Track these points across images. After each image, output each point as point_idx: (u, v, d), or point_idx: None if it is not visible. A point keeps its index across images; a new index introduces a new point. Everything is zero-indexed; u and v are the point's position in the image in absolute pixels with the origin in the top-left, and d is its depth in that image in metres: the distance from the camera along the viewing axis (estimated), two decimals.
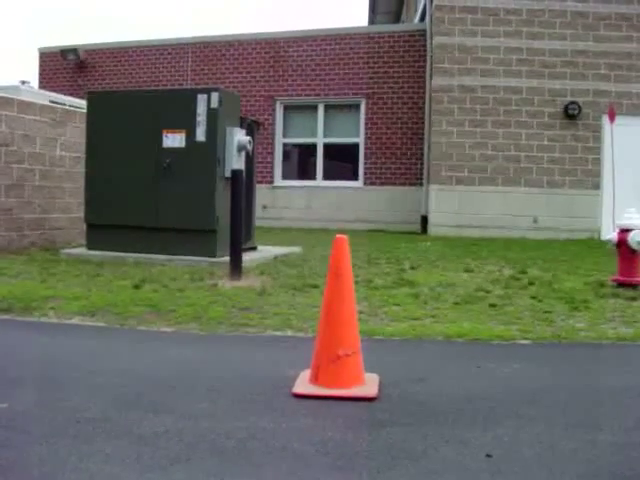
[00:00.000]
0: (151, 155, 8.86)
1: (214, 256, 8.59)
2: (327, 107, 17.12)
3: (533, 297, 6.73)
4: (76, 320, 5.55)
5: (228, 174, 8.30)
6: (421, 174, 16.16)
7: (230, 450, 2.87)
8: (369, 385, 3.72)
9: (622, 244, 7.28)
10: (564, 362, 4.57)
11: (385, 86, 16.62)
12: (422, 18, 17.38)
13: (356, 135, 16.96)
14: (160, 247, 8.72)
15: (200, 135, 8.70)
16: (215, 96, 8.68)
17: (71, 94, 16.04)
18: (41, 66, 19.40)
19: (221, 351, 4.80)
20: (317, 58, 17.03)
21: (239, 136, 8.89)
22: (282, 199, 17.03)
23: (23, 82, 14.66)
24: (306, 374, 3.83)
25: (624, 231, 7.28)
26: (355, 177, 16.94)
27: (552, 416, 3.38)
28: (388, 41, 16.70)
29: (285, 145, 17.62)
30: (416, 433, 3.11)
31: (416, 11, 19.41)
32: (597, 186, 14.69)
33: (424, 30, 16.25)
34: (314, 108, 17.19)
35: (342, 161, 17.52)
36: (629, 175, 13.55)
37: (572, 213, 14.60)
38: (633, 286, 7.20)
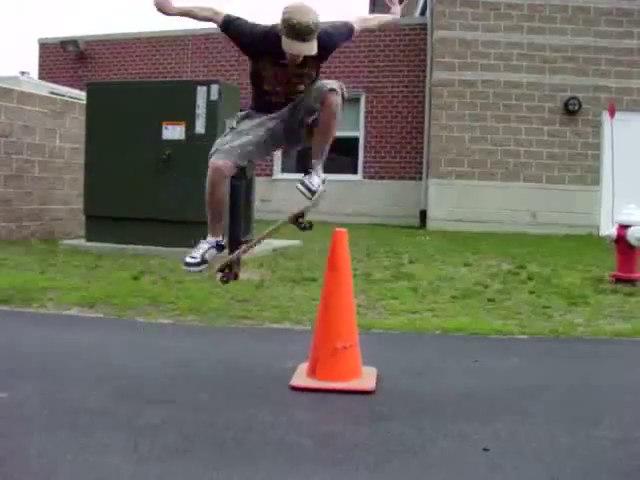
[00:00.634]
0: (150, 147, 8.85)
1: None
2: None
3: (531, 292, 6.73)
4: (75, 311, 5.55)
5: None
6: (420, 168, 16.15)
7: (228, 442, 2.88)
8: (367, 378, 3.72)
9: (621, 240, 7.28)
10: (562, 357, 4.57)
11: (385, 80, 16.59)
12: (423, 12, 17.35)
13: (356, 129, 16.93)
14: (159, 239, 8.71)
15: (200, 127, 8.69)
16: (215, 88, 8.67)
17: (71, 85, 15.99)
18: (41, 57, 19.34)
19: (219, 343, 4.81)
20: None
21: None
22: (281, 192, 17.00)
23: (23, 73, 14.64)
24: (304, 367, 3.83)
25: (623, 227, 7.27)
26: (354, 171, 16.92)
27: (550, 411, 3.39)
28: (389, 35, 16.65)
29: None
30: (414, 427, 3.12)
31: (417, 5, 19.37)
32: (596, 182, 14.68)
33: (425, 24, 16.22)
34: None
35: (341, 155, 17.49)
36: (629, 171, 13.53)
37: (571, 209, 14.59)
38: (631, 282, 7.20)
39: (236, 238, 7.51)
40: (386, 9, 4.44)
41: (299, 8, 3.54)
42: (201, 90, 8.68)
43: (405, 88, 16.46)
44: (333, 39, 3.95)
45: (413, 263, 8.62)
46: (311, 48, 3.58)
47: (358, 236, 11.13)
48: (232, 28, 3.76)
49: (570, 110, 14.70)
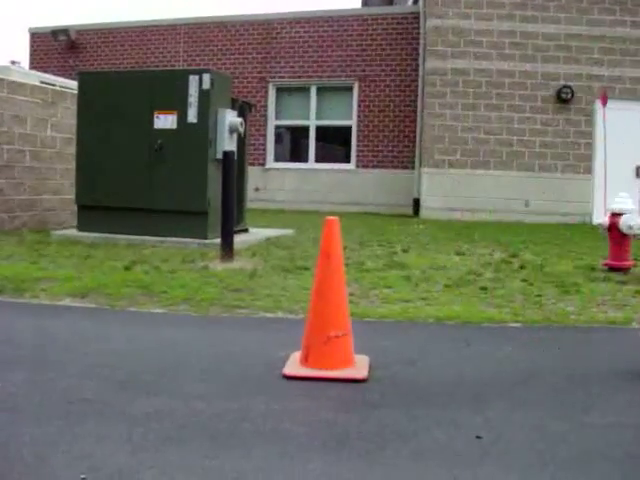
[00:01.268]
0: (142, 136, 8.83)
1: (205, 238, 8.58)
2: (320, 89, 17.06)
3: (524, 280, 6.75)
4: (67, 301, 5.54)
5: (220, 155, 8.28)
6: (413, 157, 16.15)
7: (222, 431, 2.88)
8: (359, 367, 3.73)
9: (613, 228, 7.30)
10: (554, 345, 4.59)
11: (378, 69, 16.57)
12: (416, 0, 17.31)
13: (349, 118, 16.92)
14: (151, 229, 8.70)
15: (192, 116, 8.67)
16: (207, 77, 8.64)
17: (62, 75, 15.93)
18: (32, 46, 19.25)
19: (212, 332, 4.81)
20: (310, 40, 16.96)
21: (231, 117, 8.86)
22: (274, 181, 17.01)
23: (13, 62, 14.59)
24: (297, 355, 3.84)
25: (615, 215, 7.30)
26: (347, 160, 16.92)
27: (542, 398, 3.40)
28: (381, 23, 16.63)
29: (277, 127, 17.57)
30: (406, 415, 3.13)
31: None
32: (589, 170, 14.72)
33: (418, 12, 16.19)
34: (307, 90, 17.13)
35: (334, 144, 17.50)
36: (621, 159, 13.57)
37: (564, 197, 14.63)
38: (623, 270, 7.23)
39: (229, 225, 7.50)
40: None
41: None
42: (193, 79, 8.66)
43: (398, 77, 16.45)
44: None
45: (406, 252, 8.63)
46: None
47: (351, 225, 11.14)
48: None
49: (563, 99, 14.72)
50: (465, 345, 4.42)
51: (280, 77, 17.25)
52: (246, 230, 9.80)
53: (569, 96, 14.67)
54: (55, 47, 18.85)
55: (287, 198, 16.60)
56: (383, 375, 3.70)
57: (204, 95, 8.62)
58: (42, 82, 12.15)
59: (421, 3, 15.99)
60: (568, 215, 14.30)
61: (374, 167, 16.58)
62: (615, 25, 14.62)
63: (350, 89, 16.88)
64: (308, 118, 17.10)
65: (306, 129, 17.14)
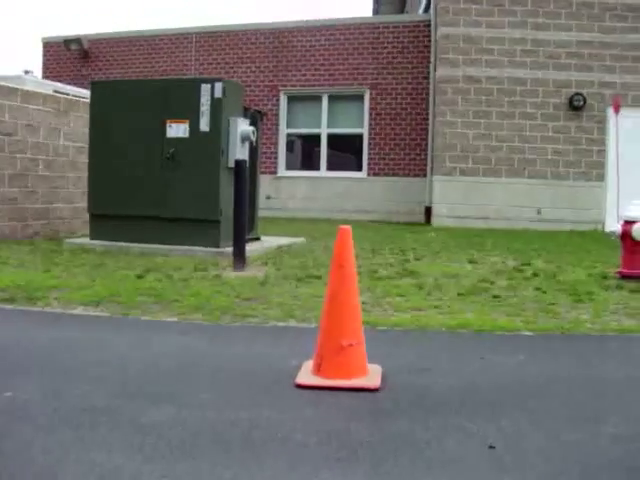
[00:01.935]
0: (155, 145, 8.86)
1: (218, 246, 8.59)
2: (331, 98, 17.09)
3: (537, 288, 6.71)
4: (80, 310, 5.55)
5: (232, 164, 8.29)
6: (425, 165, 16.14)
7: (233, 440, 2.87)
8: (372, 376, 3.72)
9: (626, 236, 7.26)
10: (568, 354, 4.56)
11: (389, 77, 16.59)
12: (427, 8, 17.33)
13: (360, 126, 16.94)
14: (164, 237, 8.72)
15: (204, 125, 8.69)
16: (219, 86, 8.66)
17: (75, 84, 16.02)
18: (45, 56, 19.38)
19: (224, 341, 4.80)
20: (321, 48, 16.99)
21: (243, 126, 8.88)
22: (286, 189, 17.03)
23: (27, 72, 14.68)
24: (309, 364, 3.83)
25: (628, 223, 7.25)
26: (359, 168, 16.93)
27: (555, 408, 3.37)
28: (393, 32, 16.65)
29: (289, 135, 17.60)
30: (419, 424, 3.11)
31: (420, 1, 19.34)
32: (601, 178, 14.67)
33: (429, 20, 16.21)
34: (318, 98, 17.16)
35: (346, 152, 17.50)
36: (634, 167, 13.50)
37: (576, 205, 14.58)
38: (637, 278, 7.18)
39: (241, 234, 7.51)
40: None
41: None
42: (205, 88, 8.68)
43: (409, 85, 16.46)
44: None
45: (418, 260, 8.61)
46: None
47: (363, 233, 11.13)
48: None
49: (575, 106, 14.68)
50: (479, 357, 4.40)
51: (292, 85, 17.28)
52: (258, 238, 9.80)
53: (581, 103, 14.63)
54: (68, 56, 18.97)
55: (298, 206, 16.61)
56: (396, 384, 3.68)
57: (216, 104, 8.64)
58: (55, 91, 12.22)
59: (432, 11, 16.00)
60: (580, 223, 14.24)
61: (385, 175, 16.58)
62: (627, 32, 14.58)
63: (361, 97, 16.90)
64: (320, 126, 17.12)
65: (317, 137, 17.17)
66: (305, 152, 18.05)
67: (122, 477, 2.49)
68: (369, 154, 16.74)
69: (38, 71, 18.70)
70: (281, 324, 5.21)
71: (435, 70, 15.53)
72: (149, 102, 8.92)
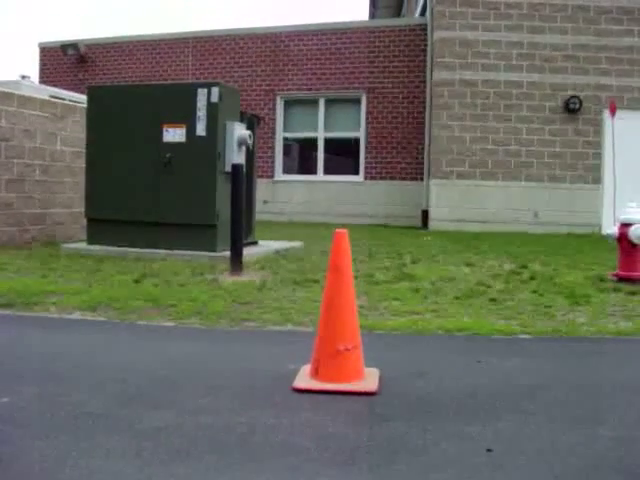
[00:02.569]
0: (151, 150, 8.86)
1: (215, 251, 8.59)
2: (328, 101, 17.11)
3: (534, 291, 6.72)
4: (77, 315, 5.55)
5: (228, 169, 8.29)
6: (422, 168, 16.16)
7: (231, 445, 2.87)
8: (369, 380, 3.72)
9: (623, 238, 7.27)
10: (565, 357, 4.57)
11: (386, 80, 16.61)
12: (423, 12, 17.36)
13: (357, 129, 16.96)
14: (161, 242, 8.72)
15: (200, 130, 8.70)
16: (215, 90, 8.67)
17: (72, 89, 16.03)
18: (42, 61, 19.38)
19: (222, 346, 4.80)
20: (318, 52, 17.02)
21: (239, 130, 8.88)
22: (283, 193, 17.03)
23: (23, 77, 14.67)
24: (306, 369, 3.83)
25: (625, 225, 7.27)
26: (356, 171, 16.94)
27: (553, 411, 3.38)
28: (389, 35, 16.68)
29: (286, 140, 17.61)
30: (416, 428, 3.11)
31: (417, 5, 19.38)
32: (598, 180, 14.69)
33: (425, 24, 16.24)
34: (315, 102, 17.18)
35: (343, 155, 17.51)
36: (630, 169, 13.52)
37: (573, 207, 14.60)
38: (634, 281, 7.19)
39: (238, 238, 7.51)
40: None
41: None
42: (202, 92, 8.69)
43: (406, 88, 16.48)
44: None
45: (415, 264, 8.62)
46: None
47: (360, 237, 11.14)
48: None
49: (571, 109, 14.71)
50: (475, 360, 4.40)
51: (288, 89, 17.30)
52: (255, 243, 9.80)
53: (577, 106, 14.66)
54: (65, 61, 18.98)
55: (295, 210, 16.62)
56: (393, 388, 3.69)
57: (213, 108, 8.65)
58: (51, 96, 12.22)
59: (428, 15, 16.03)
60: (577, 225, 14.26)
61: (382, 179, 16.60)
62: (622, 35, 14.62)
63: (358, 101, 16.92)
64: (316, 130, 17.13)
65: (314, 141, 17.18)
66: (302, 156, 18.07)
67: None
68: (366, 158, 16.76)
69: (35, 76, 18.71)
70: (278, 328, 5.21)
71: (431, 73, 15.55)
72: (146, 107, 8.92)
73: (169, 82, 16.62)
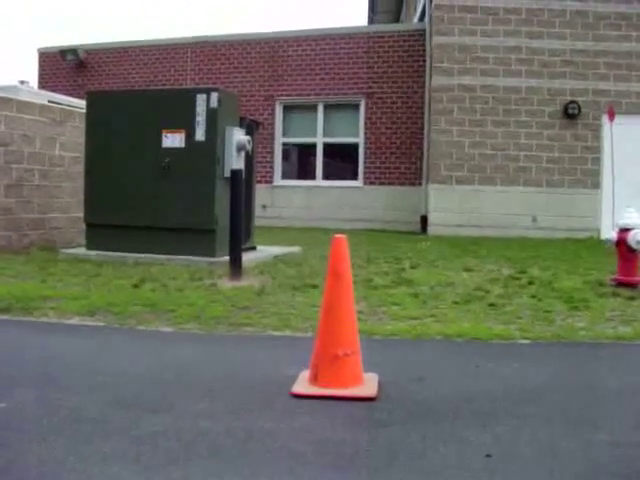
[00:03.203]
0: (151, 155, 8.86)
1: (213, 256, 8.58)
2: (327, 107, 17.12)
3: (533, 296, 6.72)
4: (75, 320, 5.55)
5: (228, 174, 8.30)
6: (420, 173, 16.17)
7: (229, 450, 2.87)
8: (368, 385, 3.72)
9: (622, 243, 7.28)
10: (563, 361, 4.57)
11: (385, 86, 16.62)
12: (421, 18, 17.38)
13: (356, 135, 16.96)
14: (159, 247, 8.71)
15: (200, 135, 8.70)
16: (214, 96, 8.68)
17: (71, 94, 16.02)
18: (41, 66, 19.40)
19: (220, 351, 4.80)
20: (317, 58, 17.03)
21: (238, 136, 8.89)
22: (282, 199, 17.03)
23: (22, 82, 14.66)
24: (305, 374, 3.83)
25: (624, 230, 7.27)
26: (355, 177, 16.94)
27: (551, 415, 3.38)
28: (388, 41, 16.70)
29: (285, 145, 17.62)
30: (415, 432, 3.11)
31: (415, 10, 19.41)
32: (597, 185, 14.70)
33: (423, 30, 16.26)
34: (314, 108, 17.19)
35: (342, 161, 17.52)
36: (629, 174, 13.54)
37: (571, 212, 14.60)
38: (632, 286, 7.19)
39: (237, 243, 7.51)
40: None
41: None
42: (201, 98, 8.69)
43: (404, 94, 16.50)
44: None
45: (414, 269, 8.62)
46: None
47: (359, 242, 11.14)
48: None
49: (569, 114, 14.72)
50: (474, 365, 4.40)
51: (287, 95, 17.31)
52: (254, 248, 9.80)
53: (576, 111, 14.67)
54: (64, 67, 18.99)
55: (294, 215, 16.62)
56: (392, 393, 3.68)
57: (212, 114, 8.65)
58: (50, 101, 12.21)
59: (427, 20, 16.06)
60: (576, 230, 14.26)
61: (381, 184, 16.60)
62: (621, 40, 14.65)
63: (357, 106, 16.93)
64: (315, 135, 17.14)
65: (313, 146, 17.19)
66: (301, 161, 18.07)
67: None
68: (365, 163, 16.76)
69: (34, 81, 18.72)
70: (277, 333, 5.21)
71: (430, 79, 15.57)
72: (145, 112, 8.92)
73: (168, 87, 16.64)
